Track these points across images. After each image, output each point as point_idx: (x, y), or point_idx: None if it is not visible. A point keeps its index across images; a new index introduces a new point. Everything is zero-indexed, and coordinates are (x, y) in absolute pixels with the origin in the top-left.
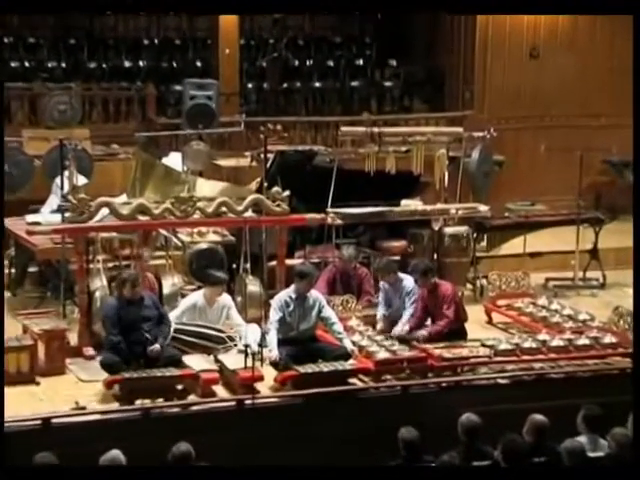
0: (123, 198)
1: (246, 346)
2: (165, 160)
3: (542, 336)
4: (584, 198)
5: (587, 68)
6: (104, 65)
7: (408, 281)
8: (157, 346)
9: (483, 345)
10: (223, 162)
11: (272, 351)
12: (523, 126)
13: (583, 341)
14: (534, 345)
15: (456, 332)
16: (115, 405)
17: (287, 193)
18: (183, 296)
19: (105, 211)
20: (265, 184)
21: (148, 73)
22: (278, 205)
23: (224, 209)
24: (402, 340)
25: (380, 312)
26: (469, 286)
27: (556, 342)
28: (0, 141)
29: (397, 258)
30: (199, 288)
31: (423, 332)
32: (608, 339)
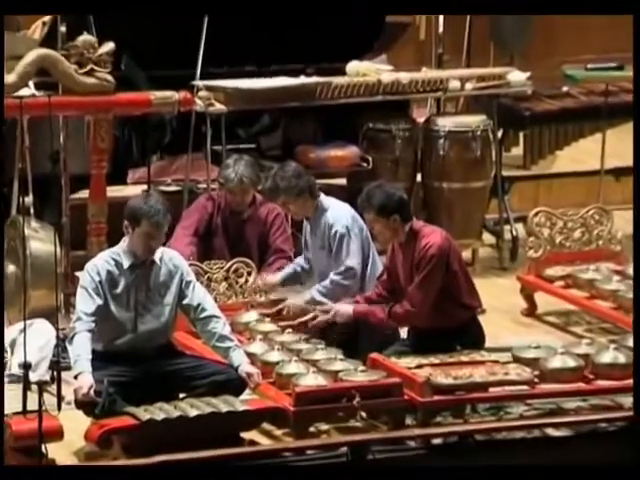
0: None
1: (25, 367)
2: None
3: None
4: None
5: None
6: None
7: (335, 213)
8: None
9: (516, 359)
10: None
11: (81, 376)
12: None
13: None
14: (622, 359)
15: (458, 332)
16: None
17: (110, 46)
18: None
19: None
20: (62, 28)
21: None
22: (91, 71)
23: None
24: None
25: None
26: (488, 238)
27: None
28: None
29: (340, 183)
30: None
31: (346, 307)
32: None
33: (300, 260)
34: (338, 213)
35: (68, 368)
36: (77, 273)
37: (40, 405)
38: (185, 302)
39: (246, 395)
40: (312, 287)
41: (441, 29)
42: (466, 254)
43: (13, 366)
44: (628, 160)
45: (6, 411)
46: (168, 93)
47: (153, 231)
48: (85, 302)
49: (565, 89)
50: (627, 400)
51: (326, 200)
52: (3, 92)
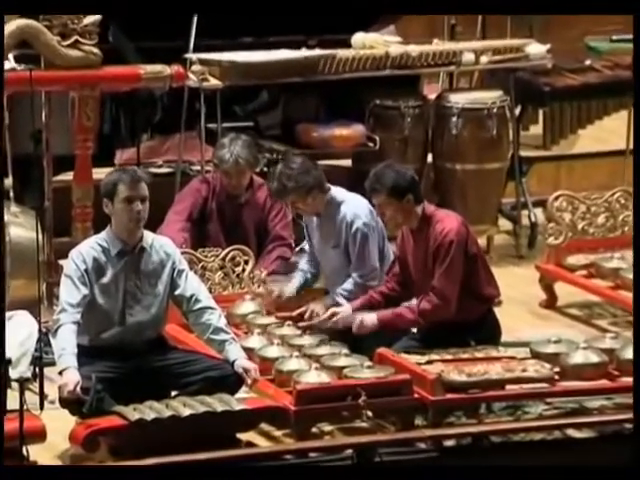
0: None
1: (5, 363)
2: None
3: None
4: None
5: None
6: None
7: (352, 208)
8: None
9: (535, 355)
10: None
11: (66, 372)
12: None
13: None
14: None
15: (473, 325)
16: None
17: (97, 16)
18: None
19: None
20: None
21: None
22: (75, 43)
23: None
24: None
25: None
26: (505, 224)
27: None
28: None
29: (344, 164)
30: None
31: (370, 317)
32: None
33: (304, 265)
34: (355, 207)
35: (52, 364)
36: (61, 261)
37: (21, 404)
38: (177, 293)
39: (243, 393)
40: (333, 290)
41: None
42: (481, 241)
43: None
44: None
45: None
46: (159, 67)
47: (132, 192)
48: (70, 292)
49: (588, 62)
50: None
51: (337, 193)
52: (3, 84)
